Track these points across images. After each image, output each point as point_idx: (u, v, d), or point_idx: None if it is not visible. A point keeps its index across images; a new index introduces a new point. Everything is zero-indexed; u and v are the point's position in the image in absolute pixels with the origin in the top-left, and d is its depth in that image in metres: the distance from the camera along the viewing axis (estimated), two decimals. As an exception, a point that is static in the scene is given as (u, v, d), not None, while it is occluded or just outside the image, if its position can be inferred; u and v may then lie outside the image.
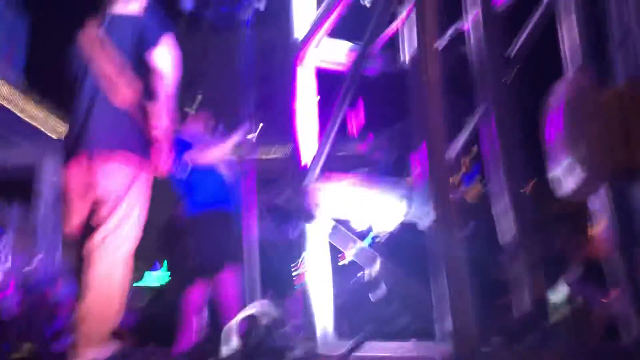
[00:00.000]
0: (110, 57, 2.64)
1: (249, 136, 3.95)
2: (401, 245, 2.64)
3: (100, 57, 2.65)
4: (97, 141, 2.63)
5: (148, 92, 2.69)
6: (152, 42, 2.66)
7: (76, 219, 2.68)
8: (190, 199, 4.31)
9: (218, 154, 4.23)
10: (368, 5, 2.49)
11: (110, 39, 2.66)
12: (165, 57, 2.67)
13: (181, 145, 4.31)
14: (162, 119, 2.67)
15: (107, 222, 2.61)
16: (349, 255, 2.50)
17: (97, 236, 2.60)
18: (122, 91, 2.63)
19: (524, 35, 2.37)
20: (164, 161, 2.68)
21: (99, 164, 2.62)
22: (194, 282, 4.08)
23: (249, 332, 2.73)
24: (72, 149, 2.66)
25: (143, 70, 2.67)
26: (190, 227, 4.32)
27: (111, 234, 2.63)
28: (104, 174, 2.63)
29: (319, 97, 2.66)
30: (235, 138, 4.03)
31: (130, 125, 2.68)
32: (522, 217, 1.90)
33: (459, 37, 2.28)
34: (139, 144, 2.66)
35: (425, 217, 2.28)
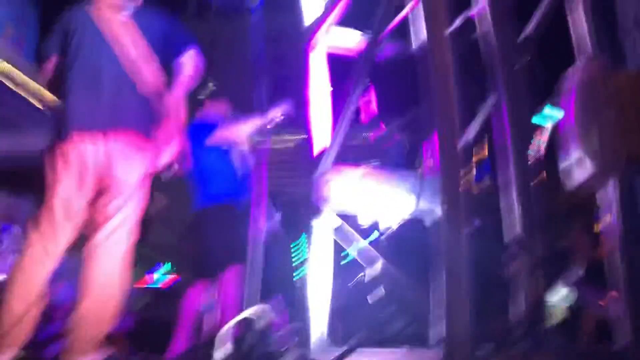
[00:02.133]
0: (138, 43, 2.64)
1: (271, 120, 3.94)
2: (404, 245, 2.63)
3: (127, 41, 2.64)
4: (121, 120, 2.56)
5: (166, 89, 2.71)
6: (181, 49, 2.73)
7: (71, 202, 2.52)
8: (200, 191, 4.31)
9: (242, 132, 4.19)
10: None
11: (139, 28, 2.66)
12: (191, 66, 2.73)
13: (203, 128, 4.31)
14: (177, 116, 2.66)
15: (114, 217, 2.53)
16: (352, 253, 2.49)
17: (102, 233, 2.51)
18: (148, 78, 2.64)
19: (534, 22, 2.36)
20: (169, 155, 2.67)
21: (118, 144, 2.54)
22: (196, 282, 4.07)
23: (242, 337, 2.72)
24: (84, 124, 2.53)
25: (164, 69, 2.72)
26: (198, 221, 4.32)
27: (116, 231, 2.55)
28: (122, 157, 2.55)
29: (331, 86, 2.66)
30: (259, 120, 4.01)
31: (151, 112, 2.66)
32: (527, 212, 1.88)
33: (470, 24, 2.26)
34: (154, 133, 2.63)
35: (432, 211, 2.27)
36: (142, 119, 2.60)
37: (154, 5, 2.80)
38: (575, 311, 2.67)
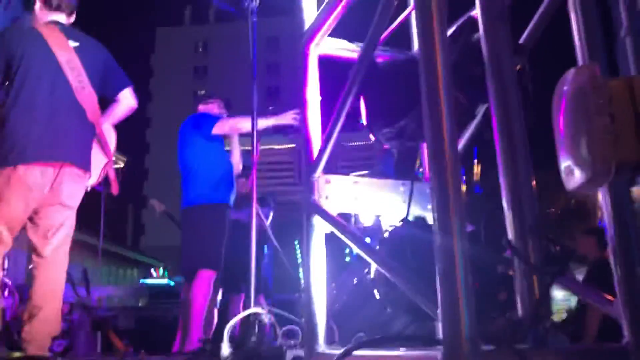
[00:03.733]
0: (84, 75, 2.85)
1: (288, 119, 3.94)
2: (406, 244, 2.64)
3: (76, 69, 2.82)
4: (67, 147, 2.83)
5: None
6: (119, 85, 3.01)
7: (15, 218, 2.76)
8: (188, 190, 4.30)
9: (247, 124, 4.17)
10: None
11: (83, 60, 2.88)
12: (127, 102, 3.00)
13: (203, 118, 4.29)
14: (108, 143, 2.93)
15: (57, 235, 2.82)
16: (352, 250, 2.50)
17: (49, 248, 2.81)
18: (91, 107, 2.79)
19: (533, 24, 2.38)
20: (100, 177, 2.99)
21: (66, 179, 2.80)
22: (199, 280, 4.06)
23: (243, 338, 2.74)
24: (39, 153, 2.78)
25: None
26: (193, 219, 4.31)
27: (61, 246, 2.84)
28: (68, 190, 2.82)
29: (327, 88, 2.68)
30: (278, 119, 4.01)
31: (91, 138, 2.94)
32: (526, 211, 1.89)
33: (470, 26, 2.28)
34: (89, 162, 2.94)
35: (426, 215, 2.28)
36: (85, 145, 2.83)
37: (96, 41, 3.04)
38: (577, 310, 2.69)
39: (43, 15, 2.91)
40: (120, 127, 3.22)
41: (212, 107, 4.59)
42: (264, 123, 4.01)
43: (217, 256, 4.13)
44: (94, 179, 2.98)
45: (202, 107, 4.60)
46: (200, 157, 4.35)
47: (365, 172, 3.86)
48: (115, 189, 3.08)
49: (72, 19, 3.02)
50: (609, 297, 1.91)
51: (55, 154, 2.78)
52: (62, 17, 2.92)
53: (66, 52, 2.80)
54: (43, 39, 2.80)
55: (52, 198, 2.78)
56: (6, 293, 4.27)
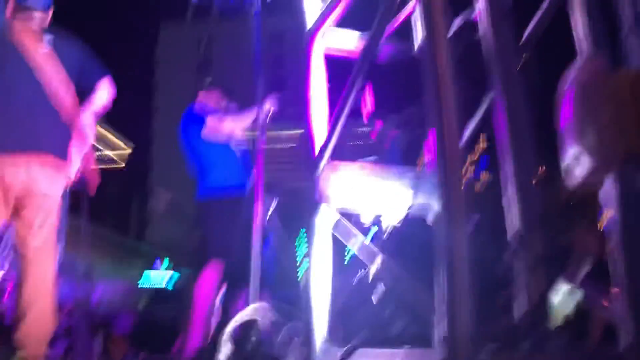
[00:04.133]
0: (58, 71, 2.85)
1: (265, 113, 3.96)
2: (407, 242, 2.64)
3: (49, 69, 2.84)
4: (40, 142, 2.80)
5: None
6: (96, 77, 3.01)
7: None
8: (202, 183, 4.31)
9: (237, 125, 4.22)
10: None
11: (58, 57, 2.88)
12: (104, 93, 3.02)
13: (195, 118, 4.31)
14: (86, 136, 2.93)
15: (41, 232, 2.75)
16: (352, 250, 2.51)
17: (36, 241, 2.73)
18: (65, 102, 2.84)
19: (535, 22, 2.37)
20: (79, 171, 2.95)
21: (41, 168, 2.75)
22: (204, 277, 4.05)
23: (244, 338, 2.74)
24: (5, 147, 2.75)
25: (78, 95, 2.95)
26: (202, 214, 4.33)
27: (46, 244, 2.77)
28: (45, 179, 2.77)
29: (330, 84, 2.68)
30: (253, 113, 4.03)
31: (67, 133, 2.91)
32: (528, 209, 1.89)
33: (471, 25, 2.28)
34: (67, 152, 2.90)
35: (431, 206, 2.27)
36: (60, 140, 2.82)
37: (72, 36, 3.05)
38: (580, 310, 2.68)
39: (16, 14, 2.92)
40: (125, 117, 3.26)
41: (210, 97, 4.59)
42: (242, 123, 4.09)
43: (225, 251, 4.13)
44: (74, 168, 2.97)
45: (201, 95, 4.60)
46: (201, 154, 4.36)
47: (372, 157, 3.87)
48: (92, 190, 3.10)
49: (49, 14, 3.03)
50: (611, 296, 1.91)
51: (27, 143, 2.79)
52: (36, 14, 2.94)
53: (39, 50, 2.82)
54: (13, 41, 2.83)
55: (31, 188, 2.76)
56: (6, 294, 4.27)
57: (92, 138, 2.97)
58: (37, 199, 2.77)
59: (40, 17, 2.94)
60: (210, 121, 4.20)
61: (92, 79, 3.02)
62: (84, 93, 3.09)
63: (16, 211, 2.77)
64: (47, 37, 2.91)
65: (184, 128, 4.41)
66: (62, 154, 2.84)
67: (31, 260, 2.75)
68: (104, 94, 3.03)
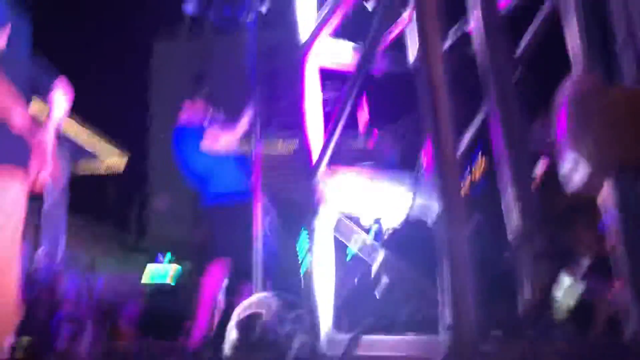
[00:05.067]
0: (6, 90, 2.85)
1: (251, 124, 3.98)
2: (408, 240, 2.65)
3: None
4: None
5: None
6: (49, 84, 3.02)
7: None
8: (208, 189, 4.35)
9: (226, 141, 4.24)
10: (370, 9, 2.50)
11: (5, 71, 2.87)
12: (61, 99, 3.03)
13: (185, 133, 4.34)
14: (46, 146, 2.93)
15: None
16: (354, 249, 2.51)
17: None
18: (18, 117, 2.87)
19: (529, 35, 2.39)
20: (41, 181, 2.92)
21: None
22: (211, 272, 4.13)
23: (249, 327, 2.73)
24: None
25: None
26: (207, 218, 4.38)
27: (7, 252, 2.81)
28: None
29: (325, 96, 2.69)
30: (242, 126, 4.06)
31: (24, 146, 2.91)
32: (528, 209, 1.89)
33: (466, 38, 2.29)
34: (25, 158, 2.90)
35: (430, 210, 2.27)
36: (15, 153, 2.87)
37: (19, 47, 3.07)
38: (584, 301, 2.69)
39: None
40: (122, 123, 3.26)
41: (196, 108, 4.62)
42: (236, 135, 4.13)
43: (230, 252, 4.20)
44: (34, 179, 3.00)
45: (187, 107, 4.61)
46: (201, 164, 4.39)
47: (370, 162, 3.88)
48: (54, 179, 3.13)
49: (6, 30, 3.02)
50: (614, 288, 1.92)
51: None
52: None
53: None
54: None
55: None
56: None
57: (51, 153, 3.01)
58: None
59: None
60: (208, 138, 4.23)
61: (45, 87, 3.05)
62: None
63: None
64: None
65: (178, 145, 4.44)
66: (19, 162, 2.88)
67: None
68: (60, 103, 3.05)
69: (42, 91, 3.06)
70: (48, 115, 3.02)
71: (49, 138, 2.95)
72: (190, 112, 4.57)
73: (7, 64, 2.94)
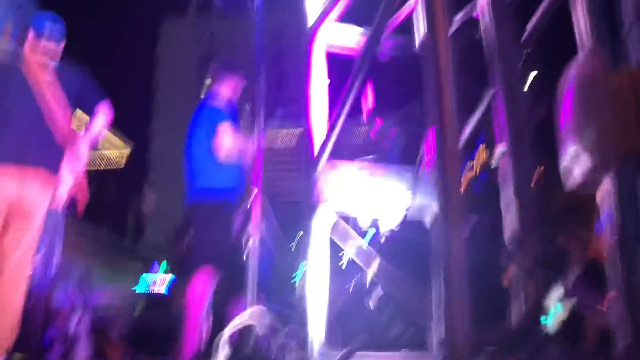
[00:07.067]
0: (58, 99, 3.01)
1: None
2: (404, 247, 2.64)
3: (51, 96, 3.01)
4: (33, 158, 2.93)
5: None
6: (94, 101, 3.17)
7: None
8: (191, 186, 4.20)
9: (240, 144, 4.10)
10: None
11: (60, 84, 3.04)
12: (102, 118, 3.17)
13: (213, 113, 4.19)
14: (79, 157, 3.07)
15: (22, 245, 2.86)
16: (349, 253, 2.49)
17: (14, 258, 2.83)
18: (61, 124, 3.01)
19: (535, 19, 2.37)
20: (68, 191, 3.05)
21: (29, 180, 2.88)
22: (194, 283, 3.95)
23: (241, 342, 2.73)
24: (4, 154, 2.90)
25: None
26: (193, 216, 4.22)
27: (25, 256, 2.90)
28: (35, 190, 2.89)
29: (330, 81, 2.67)
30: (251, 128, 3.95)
31: (60, 152, 3.02)
32: (526, 210, 1.88)
33: (472, 22, 2.27)
34: (58, 169, 3.01)
35: (429, 207, 2.27)
36: (51, 158, 2.98)
37: (74, 64, 3.22)
38: (576, 315, 2.68)
39: (32, 42, 3.08)
40: (126, 115, 3.34)
41: (227, 85, 4.39)
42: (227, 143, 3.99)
43: (213, 255, 4.00)
44: (64, 186, 3.08)
45: (212, 89, 4.43)
46: (194, 155, 4.25)
47: (371, 157, 3.83)
48: (80, 211, 3.22)
49: (61, 46, 3.16)
50: (605, 301, 1.91)
51: (21, 157, 2.94)
52: (50, 45, 3.08)
53: (43, 78, 3.00)
54: (22, 68, 3.01)
55: (21, 199, 2.89)
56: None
57: (84, 161, 3.10)
58: (23, 217, 2.89)
59: (52, 49, 3.11)
60: (220, 142, 4.03)
61: (91, 104, 3.19)
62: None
63: (6, 222, 2.88)
64: (52, 65, 3.09)
65: (192, 128, 4.27)
66: (53, 169, 2.95)
67: (7, 269, 2.87)
68: (101, 119, 3.19)
69: (84, 106, 3.18)
70: (86, 130, 3.14)
71: (83, 154, 3.07)
72: (216, 89, 4.37)
73: (63, 76, 3.08)
